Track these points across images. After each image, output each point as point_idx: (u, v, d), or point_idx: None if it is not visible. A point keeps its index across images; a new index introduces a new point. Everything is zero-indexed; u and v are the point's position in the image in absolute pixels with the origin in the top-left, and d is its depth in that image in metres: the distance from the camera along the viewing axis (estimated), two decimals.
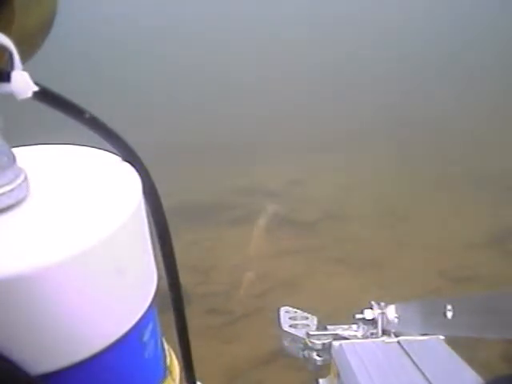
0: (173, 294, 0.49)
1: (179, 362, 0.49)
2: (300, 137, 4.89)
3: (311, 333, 1.01)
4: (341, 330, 1.01)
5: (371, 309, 1.01)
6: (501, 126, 4.86)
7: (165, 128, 5.07)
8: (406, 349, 0.88)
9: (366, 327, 1.00)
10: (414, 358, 0.84)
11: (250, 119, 5.30)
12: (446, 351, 0.86)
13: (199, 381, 0.53)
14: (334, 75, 6.52)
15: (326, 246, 3.42)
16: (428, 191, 3.99)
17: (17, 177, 0.36)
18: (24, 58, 0.34)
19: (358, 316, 1.01)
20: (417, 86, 6.12)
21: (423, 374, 0.79)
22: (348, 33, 8.32)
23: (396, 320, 0.97)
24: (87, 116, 0.39)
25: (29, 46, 0.38)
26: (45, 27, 0.40)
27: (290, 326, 1.07)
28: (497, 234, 3.48)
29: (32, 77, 0.35)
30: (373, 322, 1.00)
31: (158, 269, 0.43)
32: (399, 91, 5.88)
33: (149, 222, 0.42)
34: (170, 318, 0.50)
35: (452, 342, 0.89)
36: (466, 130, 4.85)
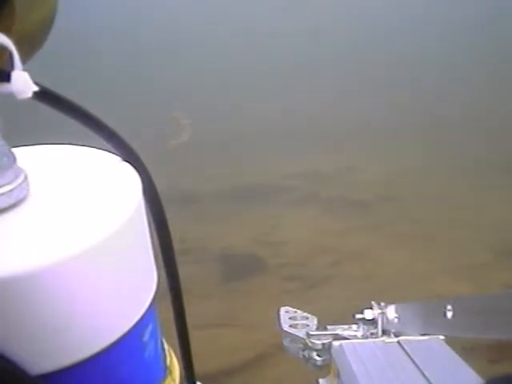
0: (172, 293, 0.49)
1: (179, 362, 0.49)
2: (352, 124, 5.10)
3: (311, 333, 1.01)
4: (341, 330, 1.01)
5: (371, 309, 1.01)
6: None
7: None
8: (406, 349, 0.88)
9: (366, 327, 1.00)
10: (414, 358, 0.84)
11: (299, 111, 5.51)
12: (446, 351, 0.86)
13: (199, 380, 0.53)
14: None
15: (383, 224, 3.69)
16: (471, 177, 4.15)
17: (17, 177, 0.36)
18: (24, 58, 0.34)
19: (358, 316, 1.01)
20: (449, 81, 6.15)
21: (423, 374, 0.79)
22: (351, 27, 8.38)
23: (396, 320, 0.97)
24: (87, 116, 0.39)
25: (29, 46, 0.38)
26: (45, 27, 0.40)
27: (290, 326, 1.07)
28: None
29: (32, 77, 0.35)
30: (373, 322, 1.00)
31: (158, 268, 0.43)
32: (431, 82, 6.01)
33: (148, 221, 0.42)
34: (170, 317, 0.50)
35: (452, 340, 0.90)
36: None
